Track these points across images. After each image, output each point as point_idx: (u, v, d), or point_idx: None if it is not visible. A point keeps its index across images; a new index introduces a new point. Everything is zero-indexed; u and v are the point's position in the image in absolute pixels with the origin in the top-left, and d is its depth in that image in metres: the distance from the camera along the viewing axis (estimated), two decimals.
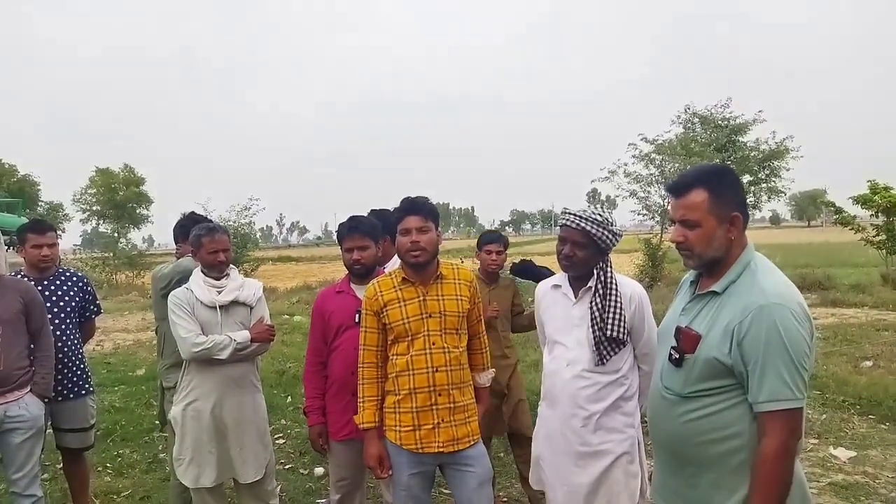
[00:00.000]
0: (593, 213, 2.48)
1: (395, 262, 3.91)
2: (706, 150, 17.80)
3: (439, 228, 2.73)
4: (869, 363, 7.17)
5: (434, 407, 2.61)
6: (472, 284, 2.80)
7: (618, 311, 2.44)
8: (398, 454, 2.66)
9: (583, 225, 2.46)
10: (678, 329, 1.90)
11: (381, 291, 2.69)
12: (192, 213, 3.91)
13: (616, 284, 2.48)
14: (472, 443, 2.70)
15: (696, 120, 19.42)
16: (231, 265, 3.38)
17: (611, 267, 2.51)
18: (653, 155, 19.13)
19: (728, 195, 1.86)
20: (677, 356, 1.88)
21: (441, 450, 2.61)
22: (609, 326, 2.43)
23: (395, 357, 2.67)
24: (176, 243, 3.90)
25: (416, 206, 2.66)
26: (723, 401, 1.80)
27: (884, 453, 4.73)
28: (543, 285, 2.76)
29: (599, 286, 2.47)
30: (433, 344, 2.62)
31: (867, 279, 15.41)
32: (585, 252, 2.48)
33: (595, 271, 2.50)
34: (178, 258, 3.74)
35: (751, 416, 1.75)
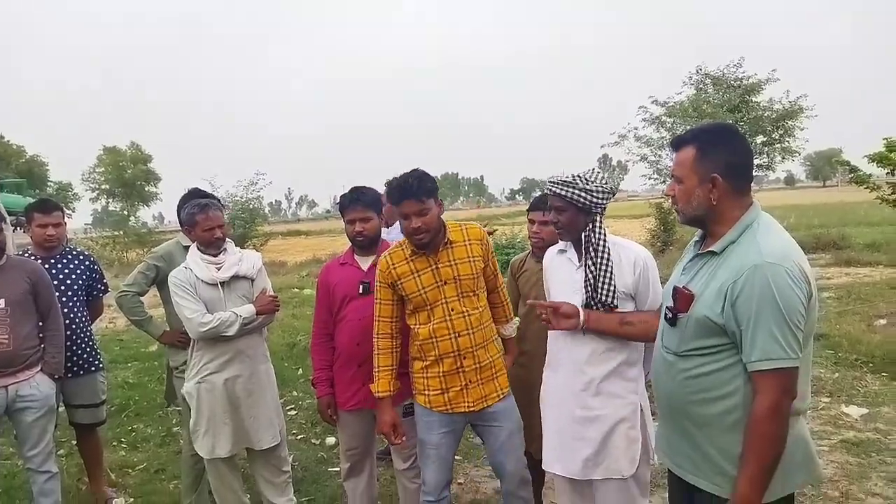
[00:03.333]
0: (563, 176, 2.44)
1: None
2: (718, 112, 17.43)
3: (439, 199, 2.69)
4: (883, 321, 7.11)
5: (460, 370, 2.68)
6: (482, 242, 2.81)
7: (607, 275, 2.39)
8: (429, 415, 2.74)
9: (555, 189, 2.43)
10: (674, 288, 1.90)
11: (393, 264, 2.71)
12: (196, 189, 3.85)
13: (606, 248, 2.41)
14: (501, 397, 2.76)
15: (708, 81, 18.99)
16: (228, 239, 3.36)
17: (601, 229, 2.43)
18: (664, 118, 18.84)
19: (714, 155, 1.83)
20: (671, 315, 1.88)
21: (471, 409, 2.70)
22: (600, 291, 2.39)
23: (416, 327, 2.71)
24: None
25: (408, 191, 2.61)
26: (717, 360, 1.79)
27: None
28: (551, 251, 2.73)
29: (591, 249, 2.43)
30: (452, 310, 2.66)
31: (882, 238, 15.26)
32: (566, 215, 2.44)
33: (583, 235, 2.45)
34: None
35: (745, 375, 1.75)
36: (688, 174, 1.87)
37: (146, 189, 31.07)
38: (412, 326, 2.73)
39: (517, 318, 3.00)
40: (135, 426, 5.39)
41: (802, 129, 18.26)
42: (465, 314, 2.68)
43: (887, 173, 15.35)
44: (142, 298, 3.64)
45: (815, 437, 4.27)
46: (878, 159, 15.11)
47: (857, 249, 13.75)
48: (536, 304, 2.48)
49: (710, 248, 1.85)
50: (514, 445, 2.76)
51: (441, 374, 2.68)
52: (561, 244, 2.64)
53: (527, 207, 3.25)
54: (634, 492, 2.46)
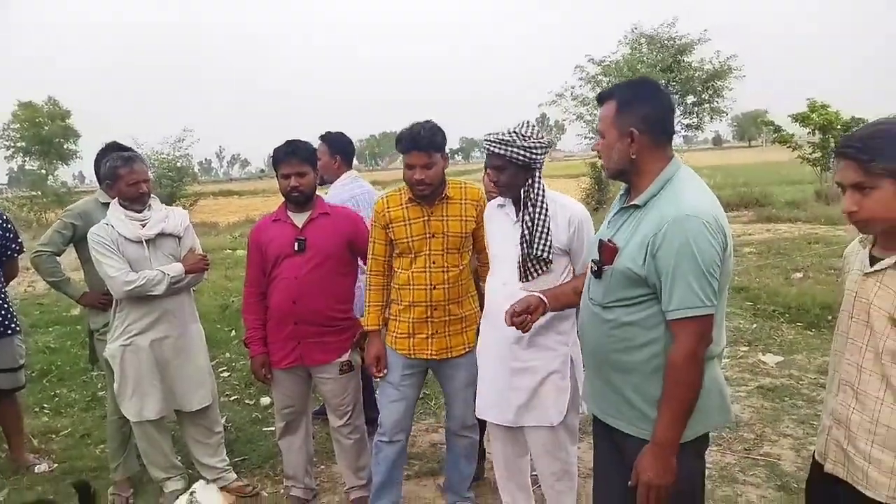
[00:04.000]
0: (498, 134, 2.43)
1: (344, 182, 3.84)
2: (652, 71, 17.74)
3: (445, 154, 2.73)
4: (799, 275, 7.51)
5: (430, 320, 2.77)
6: (479, 203, 2.82)
7: (544, 230, 2.41)
8: (392, 355, 2.85)
9: (493, 148, 2.42)
10: (600, 241, 1.93)
11: (388, 207, 2.78)
12: (115, 142, 3.62)
13: (544, 203, 2.43)
14: (466, 351, 2.83)
15: (643, 40, 19.26)
16: (152, 195, 3.22)
17: (540, 185, 2.44)
18: (600, 77, 19.03)
19: (632, 110, 1.85)
20: (597, 268, 1.92)
21: (433, 356, 2.80)
22: (536, 245, 2.41)
23: (399, 270, 2.81)
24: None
25: (418, 142, 2.62)
26: (640, 311, 1.84)
27: (808, 357, 5.01)
28: (491, 205, 2.73)
29: (529, 205, 2.43)
30: (433, 263, 2.74)
31: (802, 196, 16.02)
32: (507, 174, 2.44)
33: (522, 191, 2.45)
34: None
35: (666, 324, 1.80)
36: (608, 128, 1.89)
37: (65, 147, 29.33)
38: (396, 269, 2.82)
39: None
40: (58, 391, 5.19)
41: (731, 90, 18.87)
42: (445, 269, 2.74)
43: (809, 133, 16.10)
44: (59, 259, 3.45)
45: (734, 383, 4.51)
46: (801, 119, 15.81)
47: (777, 207, 14.40)
48: (507, 316, 2.29)
49: (633, 202, 1.89)
50: (466, 395, 2.85)
51: (411, 321, 2.77)
52: (501, 199, 2.63)
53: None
54: (563, 438, 2.54)
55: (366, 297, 2.88)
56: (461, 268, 2.79)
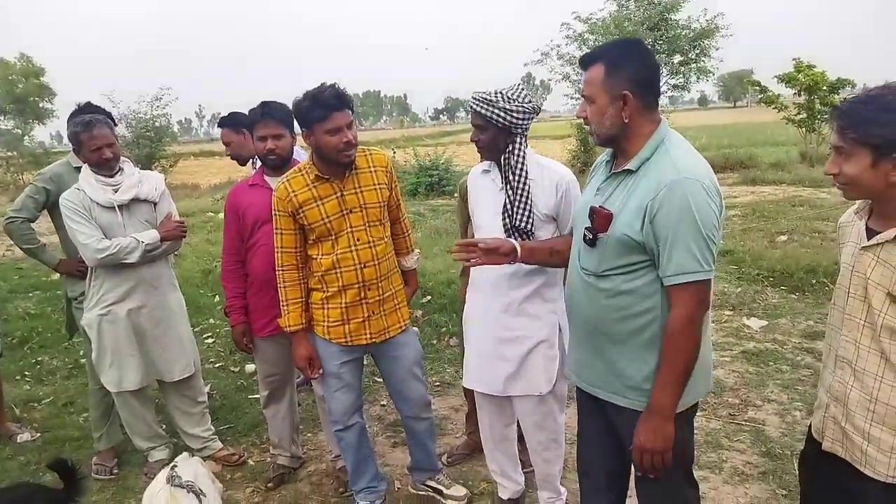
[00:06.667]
0: (484, 93, 2.34)
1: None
2: (639, 30, 17.46)
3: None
4: (784, 238, 7.51)
5: (363, 301, 2.59)
6: (387, 169, 2.70)
7: (524, 199, 2.34)
8: (326, 346, 2.65)
9: (475, 107, 2.34)
10: (592, 209, 1.87)
11: (293, 191, 2.51)
12: (88, 104, 3.47)
13: (524, 171, 2.35)
14: (403, 329, 2.73)
15: None
16: (125, 159, 3.10)
17: (520, 152, 2.36)
18: (586, 35, 18.73)
19: (623, 72, 1.78)
20: (591, 236, 1.86)
21: (373, 340, 2.64)
22: (515, 215, 2.34)
23: (319, 257, 2.57)
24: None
25: (343, 100, 2.43)
26: (636, 278, 1.80)
27: (792, 321, 5.03)
28: (475, 170, 2.65)
29: (509, 172, 2.36)
30: (358, 240, 2.55)
31: (786, 157, 16.00)
32: (487, 134, 2.36)
33: (503, 157, 2.38)
34: None
35: (663, 291, 1.77)
36: (598, 92, 1.81)
37: (41, 106, 28.55)
38: (314, 257, 2.59)
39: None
40: (39, 359, 5.13)
41: (717, 49, 18.66)
42: (371, 244, 2.58)
43: (795, 94, 16.00)
44: (33, 225, 3.35)
45: (719, 348, 4.53)
46: (787, 80, 15.68)
47: (762, 169, 14.38)
48: (464, 242, 2.27)
49: (625, 167, 1.83)
50: (416, 374, 2.78)
51: (343, 306, 2.58)
52: (485, 164, 2.56)
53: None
54: (553, 406, 2.53)
55: (281, 296, 2.62)
56: (386, 240, 2.65)
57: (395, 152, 14.77)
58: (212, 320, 5.75)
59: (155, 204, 3.12)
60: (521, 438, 2.76)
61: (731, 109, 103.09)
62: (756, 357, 4.38)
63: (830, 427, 1.73)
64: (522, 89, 2.35)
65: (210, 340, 5.32)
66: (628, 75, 1.78)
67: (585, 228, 1.89)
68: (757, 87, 17.14)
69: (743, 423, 3.52)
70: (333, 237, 2.54)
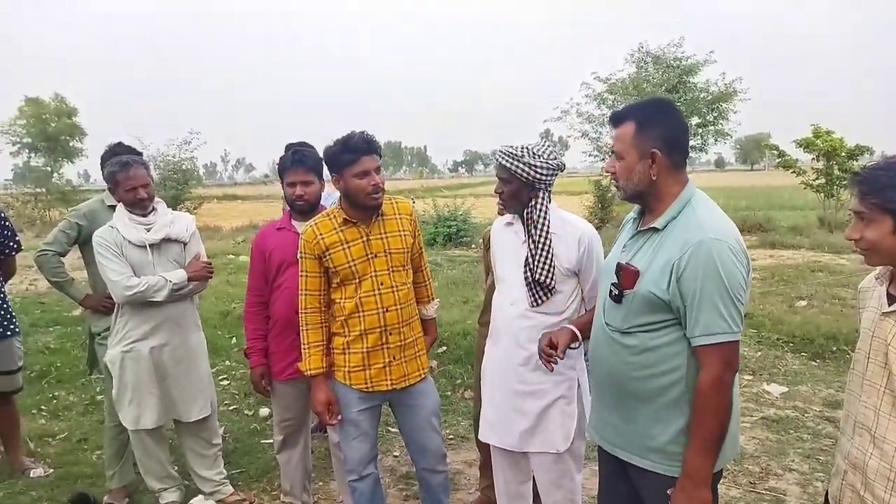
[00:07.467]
0: (510, 147, 2.40)
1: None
2: (658, 91, 17.78)
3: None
4: (803, 303, 7.45)
5: (385, 346, 2.60)
6: (412, 217, 2.75)
7: (544, 254, 2.36)
8: (346, 392, 2.64)
9: (501, 160, 2.39)
10: (618, 265, 1.89)
11: (321, 234, 2.56)
12: (120, 143, 3.58)
13: (546, 226, 2.38)
14: (422, 377, 2.73)
15: (649, 59, 19.34)
16: (158, 199, 3.19)
17: (543, 207, 2.39)
18: (605, 94, 19.09)
19: (652, 130, 1.83)
20: (617, 292, 1.87)
21: (394, 386, 2.63)
22: (536, 269, 2.37)
23: (342, 300, 2.59)
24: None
25: (371, 146, 2.51)
26: (661, 336, 1.81)
27: (813, 388, 4.95)
28: (498, 223, 2.69)
29: (532, 226, 2.40)
30: (381, 284, 2.58)
31: (805, 222, 15.95)
32: (511, 187, 2.40)
33: (525, 210, 2.42)
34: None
35: (689, 350, 1.77)
36: (628, 149, 1.86)
37: (71, 144, 29.34)
38: (337, 300, 2.61)
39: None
40: (56, 394, 5.14)
41: (735, 112, 18.90)
42: (394, 289, 2.60)
43: (813, 159, 16.07)
44: (63, 259, 3.42)
45: (739, 413, 4.45)
46: (806, 145, 15.78)
47: (781, 233, 14.34)
48: (542, 354, 2.24)
49: (651, 225, 1.86)
50: (434, 424, 2.76)
51: (364, 351, 2.59)
52: (508, 216, 2.60)
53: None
54: (570, 465, 2.49)
55: (303, 339, 2.62)
56: (408, 286, 2.68)
57: (414, 202, 14.90)
58: (228, 362, 5.77)
59: (185, 244, 3.19)
60: (536, 496, 2.72)
61: (748, 172, 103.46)
62: (777, 424, 4.30)
63: (848, 495, 1.70)
64: (549, 146, 2.42)
65: (225, 382, 5.32)
66: (658, 133, 1.82)
67: (612, 284, 1.90)
68: (775, 151, 17.26)
69: (763, 492, 3.44)
70: (357, 280, 2.56)
